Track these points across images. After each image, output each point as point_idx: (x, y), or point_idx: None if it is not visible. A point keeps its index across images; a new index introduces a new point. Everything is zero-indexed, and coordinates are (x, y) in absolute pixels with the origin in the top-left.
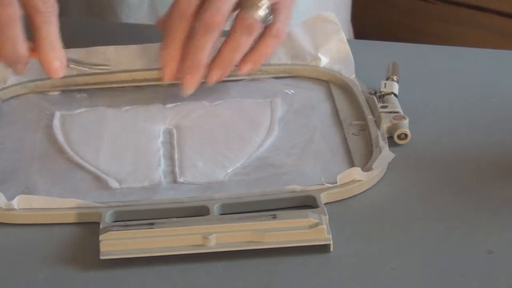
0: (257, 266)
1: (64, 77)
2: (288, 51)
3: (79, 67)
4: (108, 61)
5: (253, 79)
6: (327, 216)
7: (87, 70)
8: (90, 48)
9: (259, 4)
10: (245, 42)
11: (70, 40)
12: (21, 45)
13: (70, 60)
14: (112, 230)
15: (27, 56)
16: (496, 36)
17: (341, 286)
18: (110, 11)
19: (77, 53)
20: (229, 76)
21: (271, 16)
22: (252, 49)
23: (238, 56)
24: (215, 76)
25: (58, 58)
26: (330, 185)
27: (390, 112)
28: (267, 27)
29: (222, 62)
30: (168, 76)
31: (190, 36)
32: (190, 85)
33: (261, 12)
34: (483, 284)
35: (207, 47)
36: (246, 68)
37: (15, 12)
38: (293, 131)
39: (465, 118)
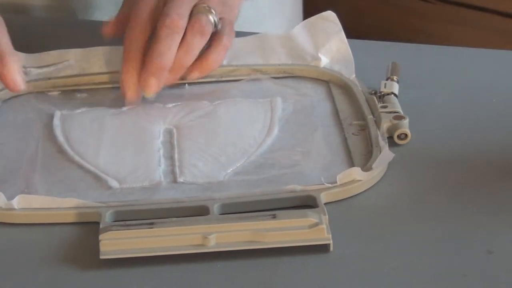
0: (257, 266)
1: (64, 77)
2: (288, 51)
3: (38, 70)
4: (108, 61)
5: (253, 79)
6: (327, 216)
7: (49, 70)
8: (90, 48)
9: (211, 10)
10: (197, 44)
11: (70, 40)
12: None
13: (26, 67)
14: (112, 230)
15: None
16: (496, 36)
17: (341, 286)
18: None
19: (76, 53)
20: (228, 76)
21: (220, 24)
22: (201, 57)
23: (191, 58)
24: (169, 79)
25: (19, 71)
26: (330, 185)
27: (390, 112)
28: (214, 38)
29: (176, 64)
30: (131, 96)
31: (152, 40)
32: (154, 88)
33: (212, 17)
34: (483, 284)
35: (171, 50)
36: (194, 75)
37: None
38: (293, 131)
39: (465, 118)
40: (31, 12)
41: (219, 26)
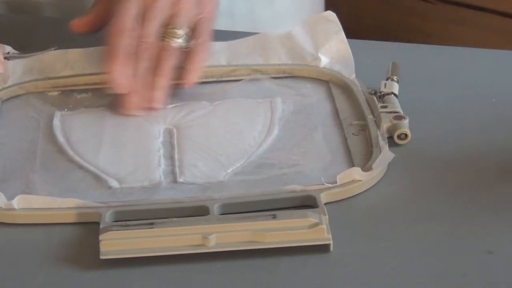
0: (257, 266)
1: (64, 77)
2: (288, 51)
3: (22, 56)
4: None
5: (253, 79)
6: (327, 216)
7: (32, 55)
8: (90, 48)
9: (179, 34)
10: (167, 67)
11: (70, 40)
12: None
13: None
14: (112, 230)
15: None
16: (496, 36)
17: (341, 286)
18: None
19: (77, 53)
20: (228, 76)
21: (192, 41)
22: (186, 66)
23: (165, 81)
24: (156, 98)
25: None
26: (330, 185)
27: (390, 112)
28: (191, 51)
29: (150, 85)
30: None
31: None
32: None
33: (180, 40)
34: (483, 284)
35: (119, 52)
36: (186, 85)
37: None
38: (293, 131)
39: (465, 118)
40: (35, 11)
41: (190, 44)
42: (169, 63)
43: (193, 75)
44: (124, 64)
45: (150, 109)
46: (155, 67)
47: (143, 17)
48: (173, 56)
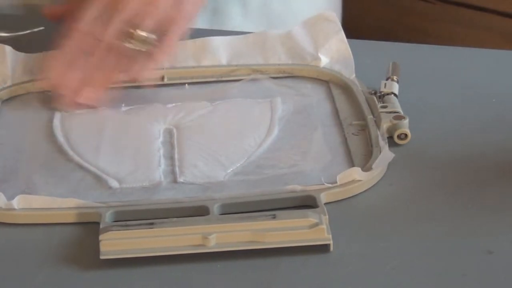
0: (257, 266)
1: None
2: (288, 51)
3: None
4: None
5: (253, 79)
6: (327, 216)
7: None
8: None
9: (139, 36)
10: (110, 64)
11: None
12: None
13: None
14: (112, 230)
15: None
16: (496, 36)
17: (341, 286)
18: None
19: None
20: (228, 76)
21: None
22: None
23: (102, 76)
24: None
25: None
26: (330, 185)
27: (390, 112)
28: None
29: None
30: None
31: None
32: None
33: (137, 42)
34: (483, 284)
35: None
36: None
37: None
38: (293, 131)
39: (465, 118)
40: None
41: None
42: (113, 61)
43: (142, 74)
44: (68, 64)
45: (83, 106)
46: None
47: (106, 16)
48: (120, 55)
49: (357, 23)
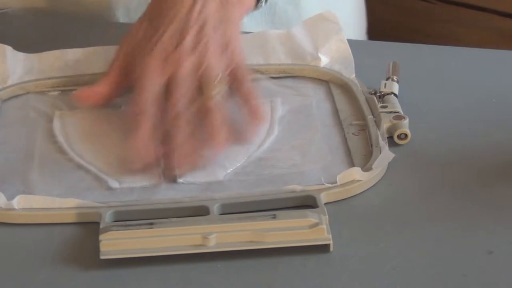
0: (257, 266)
1: (64, 77)
2: (288, 51)
3: None
4: (108, 61)
5: (252, 79)
6: (327, 216)
7: None
8: (90, 48)
9: (213, 94)
10: (220, 123)
11: (70, 40)
12: None
13: None
14: (112, 230)
15: None
16: (496, 36)
17: (341, 286)
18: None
19: (77, 53)
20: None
21: (232, 92)
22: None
23: (222, 134)
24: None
25: None
26: (330, 185)
27: (390, 112)
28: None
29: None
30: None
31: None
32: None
33: (217, 97)
34: (483, 284)
35: (188, 138)
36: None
37: None
38: (293, 131)
39: (465, 118)
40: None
41: (231, 94)
42: (220, 116)
43: (255, 121)
44: (149, 141)
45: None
46: (205, 125)
47: (169, 89)
48: (221, 107)
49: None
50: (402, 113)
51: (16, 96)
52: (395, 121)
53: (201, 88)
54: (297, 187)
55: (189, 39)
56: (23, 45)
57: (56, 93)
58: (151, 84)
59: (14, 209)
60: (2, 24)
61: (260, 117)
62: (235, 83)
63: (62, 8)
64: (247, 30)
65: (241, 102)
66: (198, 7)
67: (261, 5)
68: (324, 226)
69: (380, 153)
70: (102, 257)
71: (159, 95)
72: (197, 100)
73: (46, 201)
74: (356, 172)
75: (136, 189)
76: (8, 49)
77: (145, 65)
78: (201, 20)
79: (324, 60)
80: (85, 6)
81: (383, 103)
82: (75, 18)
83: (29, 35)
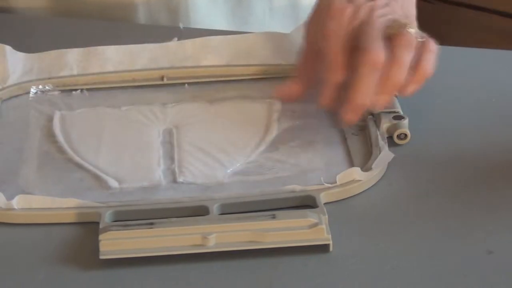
0: (257, 266)
1: (64, 77)
2: (288, 51)
3: None
4: (108, 61)
5: (252, 79)
6: (327, 216)
7: None
8: (90, 48)
9: (407, 24)
10: (408, 59)
11: (70, 40)
12: None
13: None
14: (111, 230)
15: None
16: (496, 36)
17: (341, 286)
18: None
19: (77, 53)
20: (227, 76)
21: (416, 33)
22: (415, 69)
23: (404, 75)
24: (382, 101)
25: None
26: (330, 185)
27: (390, 112)
28: (419, 47)
29: (390, 84)
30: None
31: (354, 76)
32: (353, 121)
33: (411, 29)
34: (483, 284)
35: (372, 89)
36: (411, 89)
37: None
38: (292, 131)
39: (465, 118)
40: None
41: (423, 35)
42: (408, 56)
43: (417, 83)
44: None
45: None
46: (393, 62)
47: (365, 30)
48: (411, 47)
49: None
50: (402, 113)
51: (16, 96)
52: (394, 121)
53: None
54: (296, 187)
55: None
56: (23, 45)
57: (56, 93)
58: (345, 26)
59: (13, 209)
60: (2, 24)
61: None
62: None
63: (82, 9)
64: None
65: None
66: None
67: None
68: (324, 226)
69: (380, 153)
70: (101, 257)
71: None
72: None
73: (46, 201)
74: (355, 172)
75: (135, 189)
76: (8, 49)
77: (340, 14)
78: None
79: None
80: (105, 7)
81: None
82: (75, 18)
83: (29, 35)
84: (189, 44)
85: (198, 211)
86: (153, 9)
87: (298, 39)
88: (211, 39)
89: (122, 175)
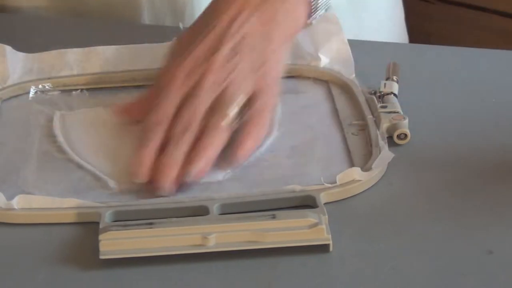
0: (256, 266)
1: (64, 77)
2: (288, 51)
3: None
4: (108, 61)
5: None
6: (327, 216)
7: None
8: (90, 48)
9: (227, 112)
10: (215, 141)
11: (70, 40)
12: None
13: None
14: (111, 230)
15: None
16: (496, 36)
17: (341, 286)
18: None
19: (77, 53)
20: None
21: (243, 117)
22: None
23: (212, 152)
24: (191, 173)
25: None
26: (330, 185)
27: (390, 112)
28: (243, 130)
29: (192, 159)
30: (142, 175)
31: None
32: (165, 183)
33: (228, 120)
34: (483, 284)
35: (184, 148)
36: (243, 155)
37: None
38: (292, 131)
39: (465, 118)
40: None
41: (240, 119)
42: (214, 141)
43: (238, 153)
44: (152, 155)
45: (184, 185)
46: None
47: (187, 102)
48: (220, 135)
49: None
50: (402, 113)
51: (16, 96)
52: (395, 121)
53: (218, 104)
54: (296, 187)
55: (221, 54)
56: (23, 45)
57: (56, 93)
58: (173, 96)
59: (13, 209)
60: (2, 24)
61: (243, 154)
62: (250, 109)
63: (87, 9)
64: None
65: (242, 127)
66: (238, 22)
67: (314, 20)
68: (324, 226)
69: (380, 153)
70: (101, 257)
71: (174, 109)
72: (208, 117)
73: (46, 201)
74: (355, 172)
75: (135, 189)
76: (8, 49)
77: (172, 76)
78: (239, 36)
79: (324, 60)
80: (112, 7)
81: (383, 103)
82: (99, 19)
83: (29, 35)
84: None
85: (198, 211)
86: (158, 10)
87: (298, 38)
88: None
89: (122, 175)
